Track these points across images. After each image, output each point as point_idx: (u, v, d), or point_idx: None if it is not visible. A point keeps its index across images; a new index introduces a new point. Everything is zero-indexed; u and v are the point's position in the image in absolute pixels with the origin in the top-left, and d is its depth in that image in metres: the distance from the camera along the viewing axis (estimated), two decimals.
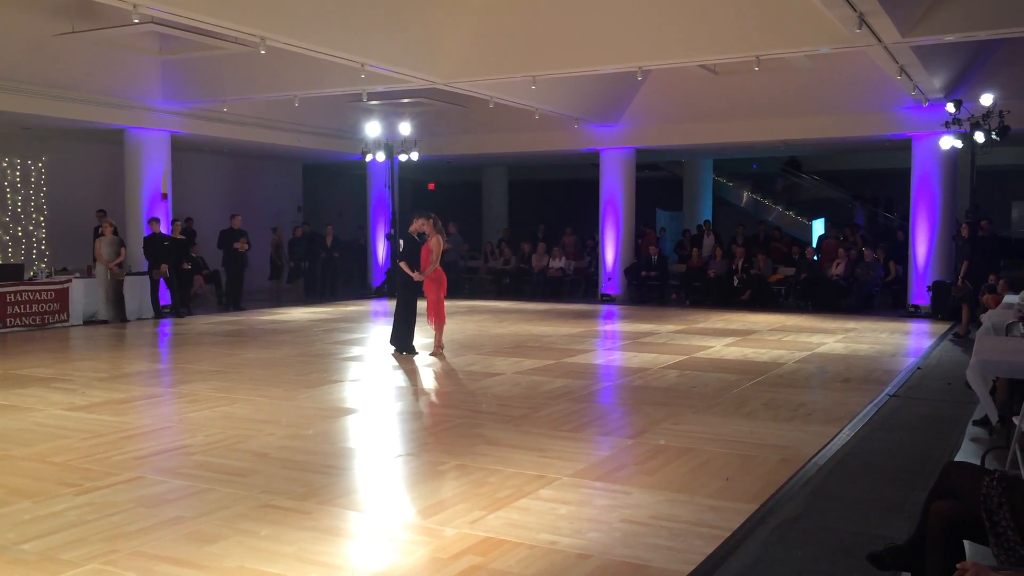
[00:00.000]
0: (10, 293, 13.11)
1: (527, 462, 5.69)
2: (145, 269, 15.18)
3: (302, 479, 5.35)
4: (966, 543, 3.12)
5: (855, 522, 4.58)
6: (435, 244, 10.35)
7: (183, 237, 16.21)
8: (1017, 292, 10.17)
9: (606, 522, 4.55)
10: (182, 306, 15.83)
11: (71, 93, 14.16)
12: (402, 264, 10.59)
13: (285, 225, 21.28)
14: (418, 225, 10.50)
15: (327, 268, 20.48)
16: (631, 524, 4.51)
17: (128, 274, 14.88)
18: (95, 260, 14.56)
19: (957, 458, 5.74)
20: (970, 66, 14.61)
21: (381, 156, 17.59)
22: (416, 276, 10.41)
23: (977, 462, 5.30)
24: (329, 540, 4.31)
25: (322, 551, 4.15)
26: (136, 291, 14.92)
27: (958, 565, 2.46)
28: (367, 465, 5.95)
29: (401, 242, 10.75)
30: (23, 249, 16.90)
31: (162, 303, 15.44)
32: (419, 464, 5.87)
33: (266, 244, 20.28)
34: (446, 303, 10.89)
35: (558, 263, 20.52)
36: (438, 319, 10.58)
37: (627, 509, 4.76)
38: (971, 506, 3.00)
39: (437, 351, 10.61)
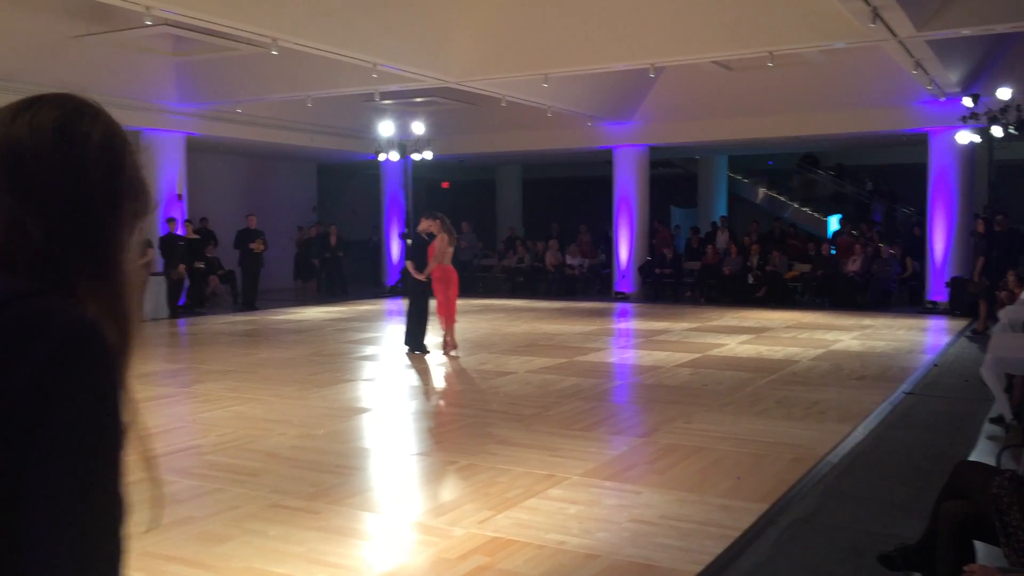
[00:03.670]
0: None
1: (537, 461, 5.67)
2: (160, 269, 15.29)
3: (312, 479, 5.35)
4: (977, 544, 3.07)
5: (867, 522, 4.53)
6: (438, 243, 10.34)
7: (197, 236, 16.32)
8: None
9: (615, 522, 4.53)
10: (197, 305, 15.93)
11: (86, 95, 14.23)
12: (408, 263, 10.66)
13: (299, 224, 21.37)
14: (426, 225, 10.53)
15: (333, 268, 20.52)
16: (640, 524, 4.49)
17: (151, 274, 15.00)
18: None
19: (972, 457, 5.68)
20: (987, 60, 14.46)
21: (394, 155, 17.61)
22: (418, 276, 10.46)
23: (992, 460, 5.25)
24: (337, 540, 4.31)
25: (330, 551, 4.15)
26: (152, 291, 15.01)
27: (965, 568, 2.42)
28: (377, 465, 5.96)
29: (409, 241, 10.79)
30: None
31: (179, 302, 15.55)
32: (430, 463, 5.87)
33: (283, 244, 20.36)
34: (459, 302, 10.87)
35: (574, 260, 20.49)
36: (447, 318, 10.54)
37: (637, 509, 4.74)
38: (982, 506, 2.96)
39: (447, 351, 10.58)
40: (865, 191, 24.40)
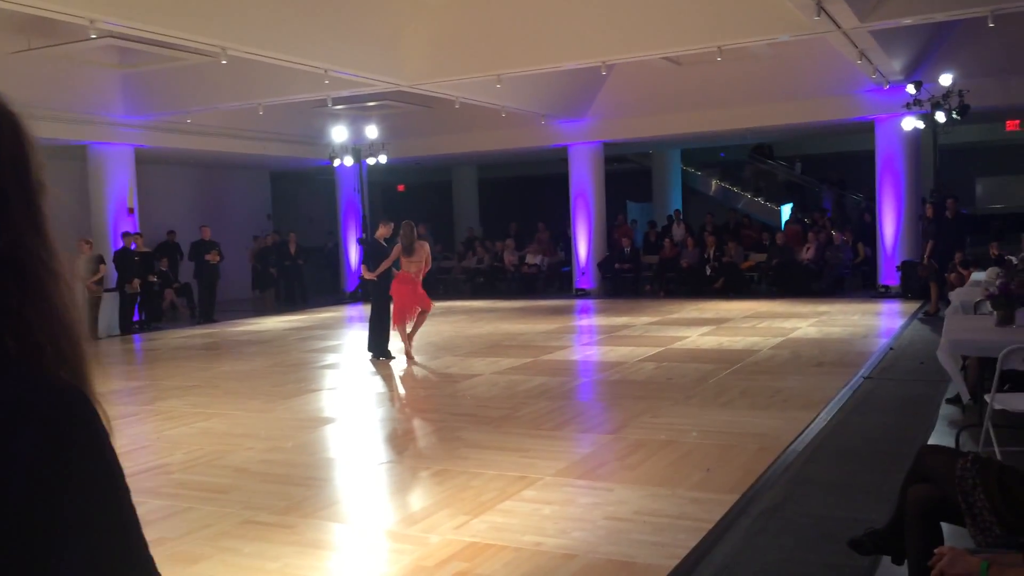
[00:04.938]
0: None
1: (509, 463, 5.70)
2: (114, 285, 15.05)
3: (283, 493, 5.32)
4: (944, 526, 3.16)
5: (835, 507, 4.63)
6: (394, 251, 10.40)
7: (148, 250, 16.10)
8: (983, 269, 10.33)
9: (590, 520, 4.57)
10: (154, 320, 15.70)
11: (30, 110, 13.48)
12: (364, 268, 10.74)
13: (254, 234, 21.17)
14: (384, 231, 10.61)
15: (292, 275, 20.35)
16: (615, 521, 4.53)
17: (105, 290, 14.76)
18: None
19: (932, 438, 5.83)
20: (928, 47, 14.80)
21: (349, 160, 17.51)
22: (368, 276, 10.59)
23: (952, 441, 5.39)
24: (313, 554, 4.29)
25: (306, 565, 4.13)
26: (105, 308, 14.76)
27: (935, 550, 2.50)
28: (348, 475, 5.93)
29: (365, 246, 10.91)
30: None
31: (134, 318, 15.31)
32: (401, 471, 5.86)
33: (239, 254, 20.13)
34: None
35: (534, 259, 20.54)
36: (399, 324, 10.48)
37: (610, 506, 4.79)
38: (947, 489, 3.04)
39: (408, 356, 10.52)
40: (795, 174, 24.87)
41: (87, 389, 0.86)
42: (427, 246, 10.65)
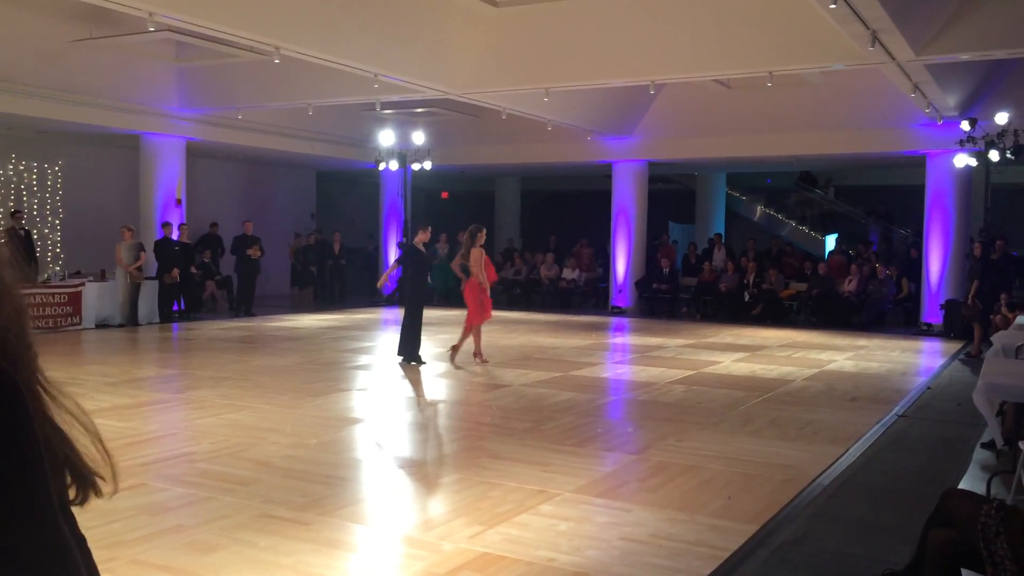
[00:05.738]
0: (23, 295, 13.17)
1: (529, 477, 5.68)
2: (155, 273, 15.33)
3: (303, 489, 5.35)
4: (964, 572, 3.09)
5: (856, 545, 4.54)
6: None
7: (188, 242, 16.38)
8: None
9: (605, 540, 4.53)
10: (193, 310, 15.95)
11: (88, 98, 14.28)
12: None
13: (295, 231, 21.45)
14: (422, 236, 10.77)
15: (334, 275, 20.56)
16: (630, 542, 4.49)
17: (145, 278, 15.05)
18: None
19: (962, 482, 5.70)
20: (985, 84, 14.54)
21: (394, 165, 17.65)
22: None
23: (983, 486, 5.26)
24: (327, 552, 4.31)
25: (319, 563, 4.15)
26: (147, 295, 15.04)
27: None
28: (369, 476, 5.95)
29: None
30: (38, 252, 17.01)
31: (174, 308, 15.59)
32: (421, 476, 5.87)
33: (281, 250, 20.39)
34: (453, 313, 10.94)
35: (572, 274, 20.50)
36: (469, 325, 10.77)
37: (627, 527, 4.74)
38: (969, 535, 2.98)
39: (453, 355, 10.79)
40: (829, 198, 24.52)
41: (26, 371, 0.84)
42: (477, 252, 10.74)
